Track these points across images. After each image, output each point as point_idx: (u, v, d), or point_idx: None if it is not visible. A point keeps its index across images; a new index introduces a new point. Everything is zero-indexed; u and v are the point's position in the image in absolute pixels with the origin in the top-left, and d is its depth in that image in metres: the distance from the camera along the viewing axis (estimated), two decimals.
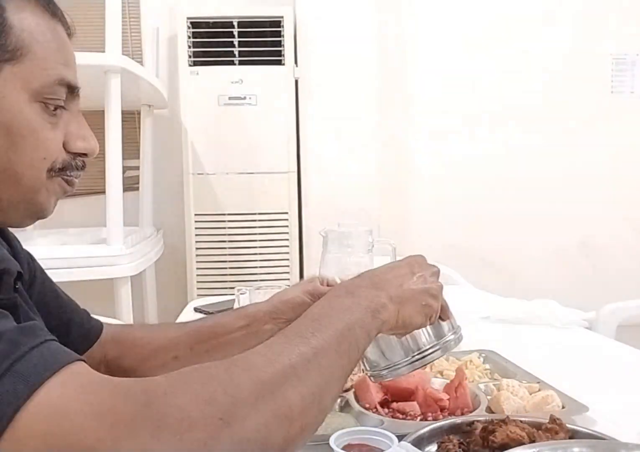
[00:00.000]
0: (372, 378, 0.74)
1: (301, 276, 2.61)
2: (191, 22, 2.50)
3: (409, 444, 0.68)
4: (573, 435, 0.72)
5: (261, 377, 0.48)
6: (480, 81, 2.82)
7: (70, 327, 0.79)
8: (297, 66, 2.54)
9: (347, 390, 0.89)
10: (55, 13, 0.63)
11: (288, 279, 2.55)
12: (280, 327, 0.84)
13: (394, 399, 0.87)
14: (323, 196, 2.62)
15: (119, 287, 2.00)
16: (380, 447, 0.68)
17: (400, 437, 0.69)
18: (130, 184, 2.62)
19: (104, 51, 1.91)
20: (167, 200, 2.82)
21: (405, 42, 2.78)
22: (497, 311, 1.43)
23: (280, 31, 2.49)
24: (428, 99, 2.83)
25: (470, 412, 0.84)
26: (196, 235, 2.58)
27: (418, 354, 0.70)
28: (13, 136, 0.58)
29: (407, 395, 0.87)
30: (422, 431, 0.73)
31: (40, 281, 0.77)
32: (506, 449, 0.65)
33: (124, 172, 2.16)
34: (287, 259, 2.60)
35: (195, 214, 2.58)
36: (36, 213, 0.64)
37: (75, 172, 0.64)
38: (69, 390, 0.44)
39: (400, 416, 0.83)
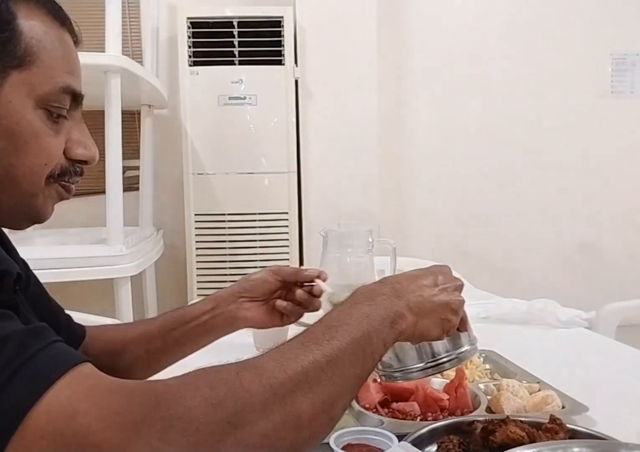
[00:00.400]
0: (383, 378, 0.74)
1: None
2: (191, 22, 2.50)
3: (409, 444, 0.68)
4: (573, 435, 0.72)
5: (271, 383, 0.48)
6: (480, 81, 2.82)
7: (60, 331, 0.79)
8: (297, 66, 2.54)
9: None
10: (64, 22, 0.63)
11: None
12: (244, 306, 0.86)
13: (394, 399, 0.87)
14: (323, 196, 2.62)
15: (119, 287, 1.99)
16: (380, 447, 0.68)
17: (400, 437, 0.69)
18: (130, 184, 2.62)
19: (104, 51, 1.91)
20: (167, 200, 2.82)
21: (405, 42, 2.79)
22: (497, 311, 1.43)
23: (280, 31, 2.49)
24: (428, 98, 2.83)
25: (470, 412, 0.84)
26: (196, 235, 2.57)
27: (433, 362, 0.69)
28: (16, 141, 0.59)
29: (407, 395, 0.87)
30: (422, 431, 0.73)
31: (34, 284, 0.78)
32: (506, 449, 0.65)
33: (124, 172, 2.16)
34: (287, 259, 2.59)
35: (195, 214, 2.57)
36: (33, 217, 0.65)
37: (73, 178, 0.65)
38: (78, 391, 0.44)
39: (400, 416, 0.83)
